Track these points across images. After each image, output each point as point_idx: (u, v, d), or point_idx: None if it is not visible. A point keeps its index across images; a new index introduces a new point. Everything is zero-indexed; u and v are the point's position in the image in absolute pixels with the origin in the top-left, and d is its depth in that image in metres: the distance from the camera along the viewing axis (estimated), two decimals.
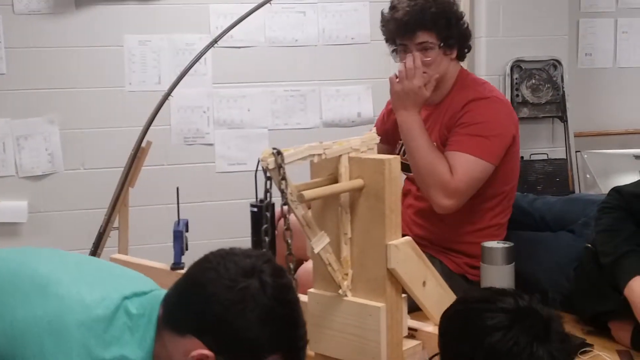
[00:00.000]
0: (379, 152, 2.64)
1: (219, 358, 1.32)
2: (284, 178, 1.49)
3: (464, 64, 2.65)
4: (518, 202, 2.67)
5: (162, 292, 1.44)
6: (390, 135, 2.61)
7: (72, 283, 1.41)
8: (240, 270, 1.33)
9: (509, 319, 1.34)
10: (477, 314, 1.37)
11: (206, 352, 1.31)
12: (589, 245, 2.27)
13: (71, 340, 1.31)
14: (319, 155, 1.57)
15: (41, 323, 1.33)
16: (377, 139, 1.72)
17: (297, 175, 1.65)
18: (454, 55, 2.47)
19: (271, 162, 1.48)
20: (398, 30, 2.45)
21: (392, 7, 2.49)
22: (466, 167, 2.34)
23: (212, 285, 1.32)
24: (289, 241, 1.51)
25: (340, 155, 1.63)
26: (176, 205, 2.27)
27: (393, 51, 2.55)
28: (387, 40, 2.56)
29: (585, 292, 2.23)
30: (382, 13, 2.55)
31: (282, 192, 1.50)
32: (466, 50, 2.53)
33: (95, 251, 2.86)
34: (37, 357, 1.30)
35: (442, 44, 2.41)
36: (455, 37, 2.45)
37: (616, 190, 2.22)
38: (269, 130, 3.67)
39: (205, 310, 1.32)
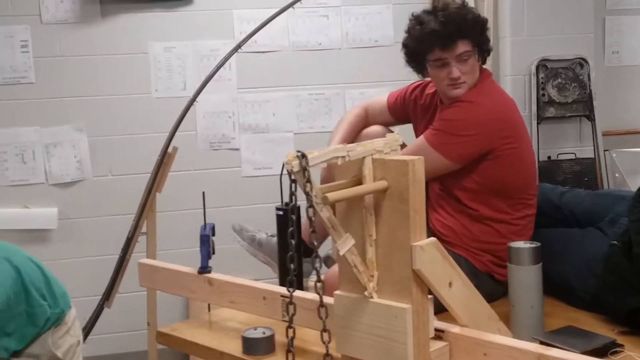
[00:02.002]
0: (378, 118, 2.74)
1: None
2: (308, 180, 1.49)
3: (488, 65, 2.64)
4: (547, 195, 2.65)
5: None
6: (399, 112, 2.71)
7: None
8: None
9: None
10: None
11: None
12: (615, 242, 2.23)
13: None
14: (343, 157, 1.57)
15: None
16: (400, 140, 1.71)
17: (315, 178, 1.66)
18: (481, 61, 2.47)
19: (296, 165, 1.48)
20: (437, 42, 2.37)
21: (420, 22, 2.42)
22: (413, 149, 2.39)
23: None
24: (315, 243, 1.52)
25: (363, 157, 1.62)
26: (203, 210, 2.28)
27: (418, 68, 2.51)
28: (413, 58, 2.49)
29: (615, 288, 2.19)
30: (408, 29, 2.48)
31: (307, 194, 1.50)
32: (487, 55, 2.52)
33: (124, 256, 2.89)
34: None
35: (477, 51, 2.41)
36: (485, 42, 2.45)
37: None
38: (294, 134, 3.68)
39: None
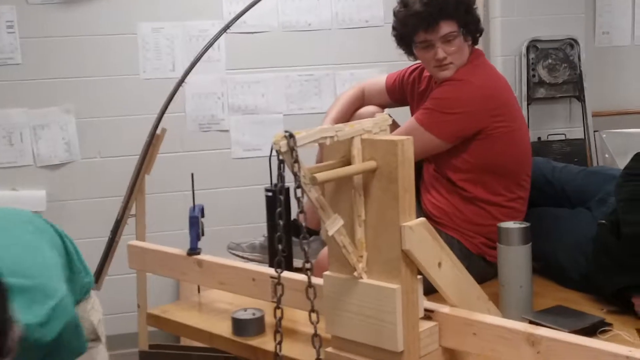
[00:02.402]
0: (375, 99, 2.74)
1: None
2: (296, 161, 1.48)
3: (479, 45, 2.63)
4: (541, 170, 2.65)
5: None
6: (397, 94, 2.71)
7: None
8: None
9: None
10: None
11: None
12: (603, 221, 2.24)
13: None
14: (331, 137, 1.56)
15: None
16: (389, 120, 1.70)
17: (308, 160, 1.65)
18: (470, 41, 2.46)
19: (283, 145, 1.47)
20: (420, 24, 2.39)
21: (405, 5, 2.43)
22: (404, 129, 2.40)
23: None
24: (303, 224, 1.51)
25: (352, 137, 1.61)
26: (192, 192, 2.27)
27: (408, 50, 2.52)
28: (402, 40, 2.51)
29: (604, 268, 2.19)
30: (394, 12, 2.50)
31: (295, 174, 1.49)
32: (478, 35, 2.51)
33: (113, 238, 2.88)
34: None
35: (463, 31, 2.40)
36: (472, 22, 2.44)
37: None
38: (284, 115, 3.67)
39: None
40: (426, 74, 2.63)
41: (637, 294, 2.10)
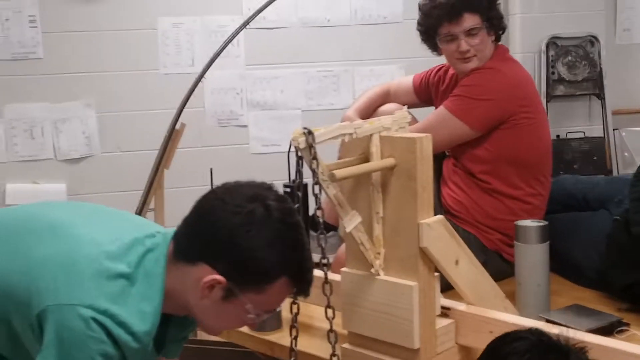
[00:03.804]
0: (402, 99, 2.75)
1: (230, 283, 1.35)
2: (315, 157, 1.50)
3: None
4: (564, 184, 2.66)
5: (172, 229, 1.48)
6: (424, 94, 2.74)
7: (84, 225, 1.46)
8: (244, 196, 1.38)
9: (528, 344, 1.28)
10: (501, 340, 1.32)
11: (217, 276, 1.35)
12: (618, 217, 2.23)
13: (82, 274, 1.35)
14: (350, 134, 1.57)
15: (55, 259, 1.37)
16: (409, 117, 1.71)
17: (328, 155, 1.66)
18: (493, 37, 2.48)
19: (302, 142, 1.48)
20: (445, 15, 2.43)
21: None
22: (433, 117, 2.44)
23: (219, 211, 1.37)
24: (321, 220, 1.52)
25: (371, 135, 1.62)
26: (210, 187, 2.29)
27: (432, 45, 2.54)
28: (426, 35, 2.54)
29: (615, 264, 2.20)
30: (419, 6, 2.54)
31: (314, 171, 1.50)
32: (501, 33, 2.53)
33: None
34: (51, 290, 1.33)
35: (487, 25, 2.42)
36: (495, 17, 2.46)
37: None
38: (302, 111, 3.67)
39: (214, 235, 1.36)
40: (450, 72, 2.64)
41: None
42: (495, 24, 2.48)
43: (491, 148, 2.44)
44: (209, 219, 1.38)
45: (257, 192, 1.39)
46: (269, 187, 1.41)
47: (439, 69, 2.73)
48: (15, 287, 1.37)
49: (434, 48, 2.57)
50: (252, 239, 1.34)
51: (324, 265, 1.55)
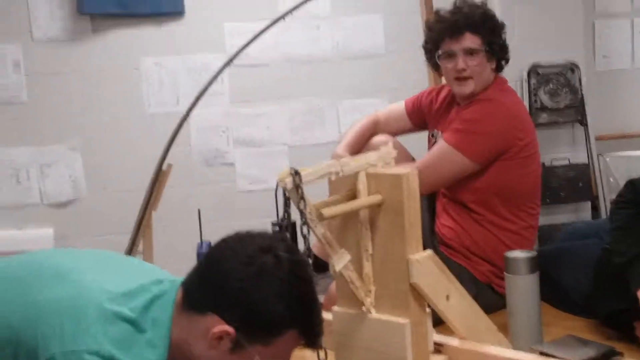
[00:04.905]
0: (394, 125, 2.75)
1: (239, 335, 1.34)
2: (302, 198, 1.49)
3: None
4: (577, 229, 2.68)
5: (180, 278, 1.47)
6: (416, 117, 2.74)
7: (91, 272, 1.46)
8: (256, 247, 1.38)
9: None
10: None
11: (227, 327, 1.34)
12: (607, 245, 2.24)
13: (88, 320, 1.34)
14: (337, 172, 1.57)
15: (61, 305, 1.37)
16: (394, 153, 1.72)
17: (318, 189, 1.66)
18: (494, 65, 2.50)
19: (289, 183, 1.48)
20: (446, 31, 2.48)
21: (436, 14, 2.55)
22: (436, 152, 2.44)
23: (230, 262, 1.37)
24: (310, 261, 1.51)
25: (357, 172, 1.63)
26: (199, 227, 2.28)
27: (434, 64, 2.58)
28: (429, 52, 2.58)
29: (601, 292, 2.20)
30: (427, 24, 2.61)
31: (301, 212, 1.50)
32: (504, 63, 2.55)
33: None
34: (57, 336, 1.33)
35: (487, 49, 2.44)
36: (498, 44, 2.48)
37: (632, 183, 2.16)
38: (289, 147, 3.68)
39: (224, 286, 1.36)
40: (442, 94, 2.66)
41: (638, 318, 2.09)
42: (497, 51, 2.50)
43: (483, 178, 2.45)
44: (220, 269, 1.38)
45: (269, 243, 1.39)
46: (281, 238, 1.42)
47: (430, 92, 2.74)
48: (22, 333, 1.37)
49: (436, 67, 2.60)
50: (263, 291, 1.34)
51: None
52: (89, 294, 1.38)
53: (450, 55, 2.47)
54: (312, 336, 1.40)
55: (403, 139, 2.80)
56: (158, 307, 1.40)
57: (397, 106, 2.83)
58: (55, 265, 1.48)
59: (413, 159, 2.69)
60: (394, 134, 2.74)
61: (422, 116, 2.75)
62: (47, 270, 1.46)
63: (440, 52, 2.50)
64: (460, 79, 2.46)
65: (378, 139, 2.70)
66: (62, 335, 1.33)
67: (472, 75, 2.45)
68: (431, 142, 2.66)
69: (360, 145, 2.72)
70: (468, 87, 2.46)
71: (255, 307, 1.34)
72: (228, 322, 1.34)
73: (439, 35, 2.49)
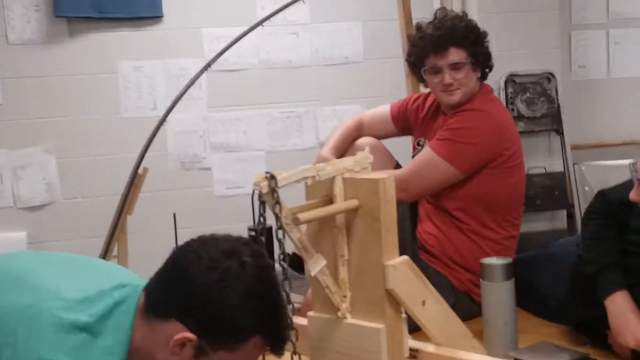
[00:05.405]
0: (377, 128, 2.75)
1: (202, 341, 1.32)
2: (277, 202, 1.49)
3: None
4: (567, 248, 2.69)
5: (143, 282, 1.44)
6: (401, 122, 2.73)
7: (49, 276, 1.42)
8: (220, 251, 1.35)
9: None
10: None
11: (189, 335, 1.32)
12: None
13: (42, 328, 1.31)
14: (313, 177, 1.56)
15: (16, 312, 1.33)
16: (371, 158, 1.71)
17: (295, 195, 1.65)
18: (479, 74, 2.50)
19: (264, 187, 1.47)
20: (430, 47, 2.46)
21: (419, 28, 2.53)
22: (421, 160, 2.44)
23: (193, 267, 1.34)
24: (285, 265, 1.51)
25: (334, 177, 1.62)
26: (174, 232, 2.26)
27: (419, 77, 2.58)
28: (414, 66, 2.58)
29: (575, 298, 2.22)
30: (409, 38, 2.60)
31: (277, 216, 1.49)
32: (487, 71, 2.56)
33: None
34: (10, 345, 1.30)
35: (472, 60, 2.44)
36: (482, 54, 2.49)
37: (603, 194, 2.17)
38: (266, 152, 3.67)
39: (187, 292, 1.33)
40: (429, 102, 2.66)
41: (607, 326, 2.09)
42: (481, 61, 2.51)
43: (468, 186, 2.45)
44: (183, 274, 1.35)
45: (234, 247, 1.36)
46: (245, 242, 1.39)
47: (417, 98, 2.74)
48: None
49: (421, 79, 2.60)
50: (226, 296, 1.31)
51: (290, 310, 1.53)
52: (45, 301, 1.35)
53: (437, 71, 2.47)
54: (277, 342, 1.38)
55: (388, 143, 2.80)
56: (119, 313, 1.37)
57: (382, 109, 2.82)
58: (15, 268, 1.45)
59: (397, 163, 2.69)
60: (377, 137, 2.72)
61: (406, 122, 2.74)
62: (5, 274, 1.43)
63: (426, 67, 2.50)
64: (448, 91, 2.47)
65: (363, 141, 2.69)
66: (15, 343, 1.29)
67: (459, 87, 2.46)
68: (416, 150, 2.66)
69: (346, 147, 2.70)
70: (455, 97, 2.47)
71: (219, 313, 1.31)
72: (191, 329, 1.31)
73: (424, 50, 2.49)
